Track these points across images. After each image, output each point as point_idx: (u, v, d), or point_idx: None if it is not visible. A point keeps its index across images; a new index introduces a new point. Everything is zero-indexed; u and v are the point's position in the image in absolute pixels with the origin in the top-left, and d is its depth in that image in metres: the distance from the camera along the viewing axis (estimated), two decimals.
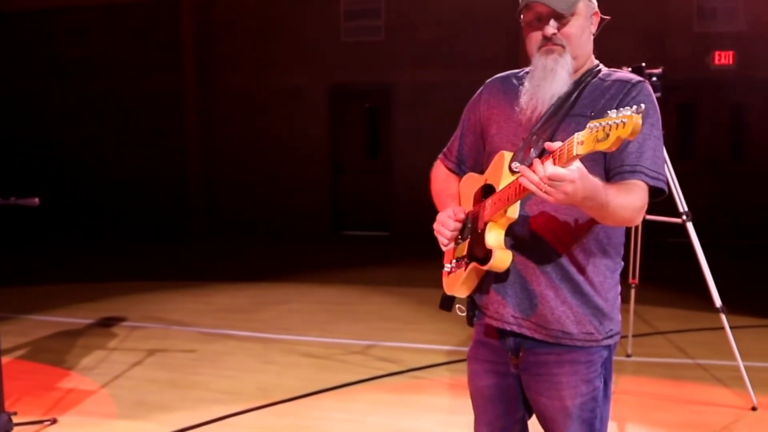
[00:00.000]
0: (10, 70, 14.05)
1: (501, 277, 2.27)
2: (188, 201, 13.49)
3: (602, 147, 1.74)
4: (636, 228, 5.50)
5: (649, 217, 5.24)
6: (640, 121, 1.69)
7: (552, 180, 1.84)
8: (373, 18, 12.73)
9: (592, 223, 2.18)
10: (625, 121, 1.70)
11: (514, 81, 2.40)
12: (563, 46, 2.22)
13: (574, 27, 2.22)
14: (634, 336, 6.16)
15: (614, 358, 5.41)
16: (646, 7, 11.55)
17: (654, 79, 5.08)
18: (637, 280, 5.65)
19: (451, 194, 2.51)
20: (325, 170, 13.25)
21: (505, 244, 2.18)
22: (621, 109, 1.74)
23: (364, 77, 12.88)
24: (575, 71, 2.27)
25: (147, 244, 12.44)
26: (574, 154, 1.79)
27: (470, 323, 2.45)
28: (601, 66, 2.35)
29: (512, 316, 2.29)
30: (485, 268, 2.19)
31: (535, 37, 2.26)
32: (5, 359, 5.46)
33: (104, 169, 13.85)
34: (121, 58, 13.60)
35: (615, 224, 2.16)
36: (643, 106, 1.75)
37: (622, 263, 2.37)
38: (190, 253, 11.92)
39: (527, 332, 2.28)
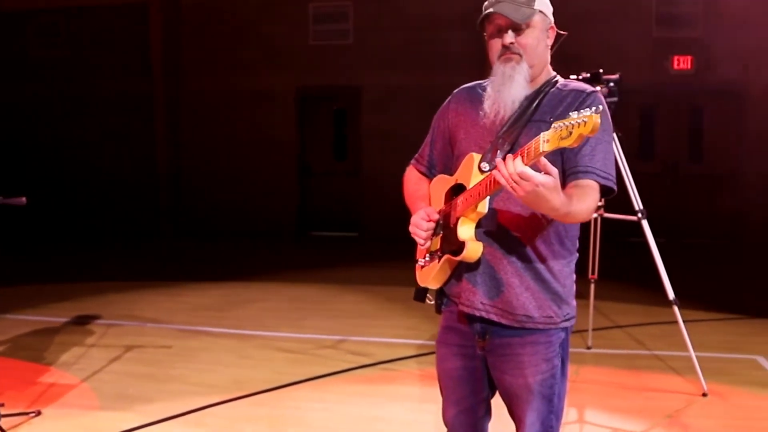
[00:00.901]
0: None
1: (471, 267, 2.50)
2: (158, 202, 13.58)
3: (566, 144, 1.99)
4: (595, 226, 5.75)
5: (606, 215, 5.56)
6: (599, 120, 1.95)
7: (521, 177, 2.08)
8: (341, 21, 12.94)
9: (549, 217, 2.42)
10: (586, 120, 1.95)
11: (479, 90, 2.63)
12: (520, 55, 2.45)
13: (529, 38, 2.46)
14: (594, 329, 6.45)
15: (575, 350, 5.74)
16: (607, 13, 11.87)
17: (611, 84, 5.33)
18: (596, 276, 5.91)
19: (422, 196, 2.74)
20: (293, 172, 13.43)
21: (475, 236, 2.41)
22: (581, 110, 2.00)
23: (333, 80, 13.08)
24: (533, 79, 2.50)
25: (117, 245, 12.53)
26: (541, 150, 2.03)
27: (438, 311, 2.70)
28: (558, 77, 2.59)
29: (481, 302, 2.51)
30: (458, 258, 2.41)
31: (495, 47, 2.50)
32: None
33: (74, 170, 13.89)
34: (90, 60, 13.65)
35: (572, 222, 2.43)
36: (601, 107, 2.02)
37: (577, 255, 2.62)
38: (160, 253, 12.04)
39: (494, 317, 2.51)
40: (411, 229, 2.56)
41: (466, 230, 2.40)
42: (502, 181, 2.13)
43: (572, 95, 2.48)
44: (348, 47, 12.99)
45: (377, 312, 7.53)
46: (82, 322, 7.16)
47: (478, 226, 2.43)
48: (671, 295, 5.16)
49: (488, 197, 2.33)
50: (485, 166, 2.42)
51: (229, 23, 13.28)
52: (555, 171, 2.11)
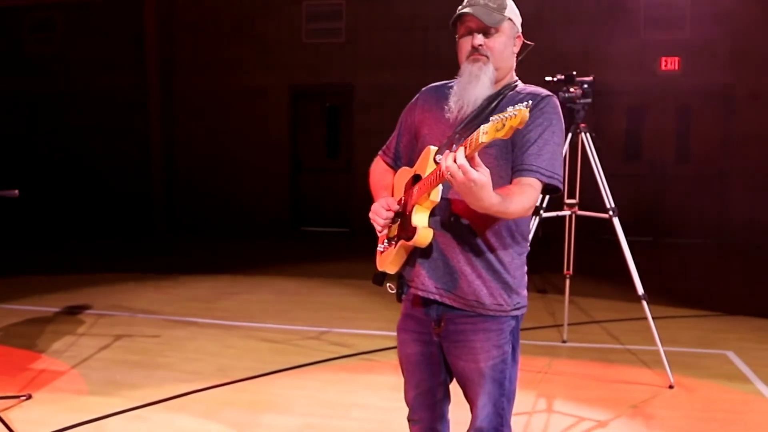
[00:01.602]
0: None
1: (425, 254, 2.68)
2: (152, 197, 13.75)
3: (500, 135, 2.17)
4: (569, 223, 5.93)
5: (580, 212, 5.74)
6: (528, 114, 2.13)
7: (459, 168, 2.25)
8: (334, 20, 13.12)
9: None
10: (516, 113, 2.13)
11: (446, 90, 2.80)
12: (488, 57, 2.64)
13: (497, 42, 2.64)
14: (571, 324, 6.67)
15: (551, 343, 5.93)
16: (596, 14, 12.05)
17: (585, 86, 5.50)
18: (571, 272, 6.09)
19: (385, 185, 2.93)
20: (285, 168, 13.61)
21: (429, 225, 2.59)
22: (516, 105, 2.19)
23: (326, 78, 13.27)
24: (497, 82, 2.69)
25: (111, 239, 12.71)
26: (480, 141, 2.21)
27: (399, 299, 2.88)
28: (519, 82, 2.78)
29: (435, 287, 2.69)
30: (410, 243, 2.60)
31: (464, 47, 2.68)
32: None
33: (68, 165, 14.04)
34: (85, 55, 13.80)
35: (509, 218, 2.59)
36: (530, 102, 2.21)
37: (528, 248, 2.81)
38: (153, 247, 12.22)
39: (448, 301, 2.69)
40: (371, 215, 2.74)
41: (418, 217, 2.57)
42: (443, 171, 2.31)
43: (528, 98, 2.62)
44: (341, 46, 13.17)
45: (361, 305, 7.72)
46: (74, 312, 7.35)
47: (432, 215, 2.60)
48: (640, 290, 5.34)
49: (440, 187, 2.51)
50: (439, 158, 2.56)
51: (223, 20, 13.45)
52: (487, 171, 2.28)
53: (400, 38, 12.74)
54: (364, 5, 12.94)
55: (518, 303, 2.74)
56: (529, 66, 5.38)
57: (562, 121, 2.68)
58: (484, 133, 2.19)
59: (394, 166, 2.98)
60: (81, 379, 5.38)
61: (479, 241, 2.65)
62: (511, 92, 2.69)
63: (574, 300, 7.59)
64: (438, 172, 2.42)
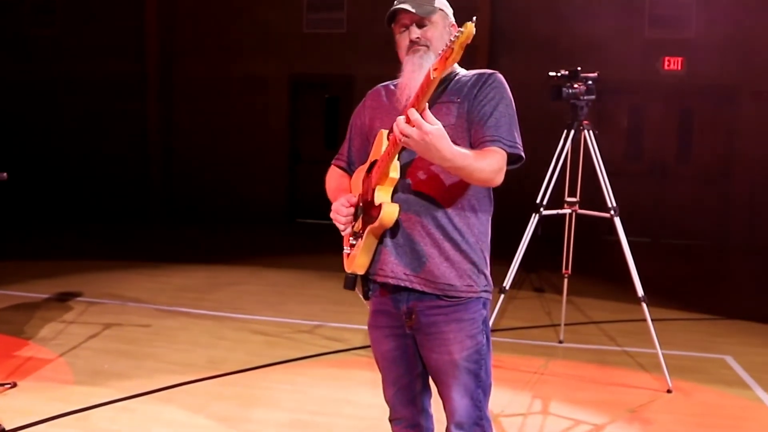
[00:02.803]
0: None
1: (393, 234, 2.63)
2: (148, 185, 13.65)
3: (453, 62, 2.19)
4: (569, 222, 5.83)
5: (581, 211, 5.65)
6: (474, 29, 2.12)
7: (414, 122, 2.26)
8: (335, 10, 13.00)
9: (463, 187, 2.59)
10: (462, 30, 2.13)
11: (392, 87, 2.83)
12: (427, 46, 2.65)
13: (433, 32, 2.67)
14: (568, 324, 6.57)
15: (547, 343, 5.85)
16: (600, 13, 11.94)
17: (590, 82, 5.41)
18: (569, 271, 6.00)
19: (343, 189, 2.87)
20: (283, 159, 13.50)
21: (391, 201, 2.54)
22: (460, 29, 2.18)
23: (325, 68, 13.15)
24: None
25: (106, 226, 12.58)
26: (432, 78, 2.22)
27: (366, 297, 2.81)
28: (461, 69, 2.77)
29: (404, 273, 2.63)
30: (377, 224, 2.52)
31: (403, 42, 2.71)
32: None
33: (66, 150, 13.92)
34: (84, 40, 13.66)
35: (479, 183, 2.55)
36: (474, 18, 2.21)
37: (489, 229, 2.75)
38: (148, 236, 12.11)
39: (418, 287, 2.63)
40: (332, 215, 2.69)
41: (381, 195, 2.53)
42: (397, 135, 2.30)
43: (475, 78, 2.67)
44: (342, 36, 13.05)
45: (355, 299, 7.54)
46: (63, 299, 7.25)
47: (394, 193, 2.56)
48: (640, 292, 5.25)
49: (398, 163, 2.49)
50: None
51: (224, 8, 13.33)
52: (438, 123, 2.29)
53: None
54: None
55: (486, 284, 2.72)
56: (532, 62, 5.33)
57: (509, 91, 2.68)
58: (434, 70, 2.22)
59: (349, 171, 2.96)
60: (68, 367, 5.29)
61: (444, 221, 2.62)
62: (457, 76, 2.72)
63: (573, 300, 7.49)
64: (393, 141, 2.39)
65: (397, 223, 2.59)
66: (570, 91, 5.33)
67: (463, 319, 2.64)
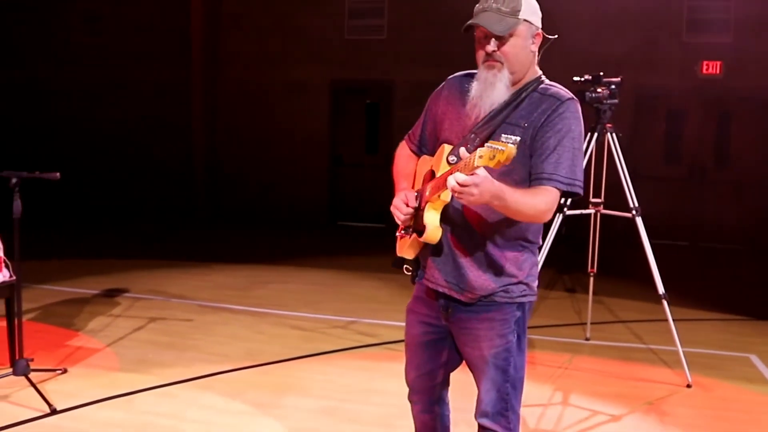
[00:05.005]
0: (26, 57, 14.61)
1: (437, 250, 2.80)
2: (194, 188, 14.00)
3: (491, 164, 2.27)
4: (594, 222, 5.98)
5: (604, 211, 5.82)
6: (514, 152, 2.23)
7: (462, 186, 2.35)
8: (376, 17, 13.26)
9: (509, 218, 2.66)
10: (504, 149, 2.22)
11: (469, 83, 2.81)
12: (502, 63, 2.67)
13: (511, 46, 2.65)
14: (597, 323, 6.75)
15: (574, 341, 6.02)
16: (639, 17, 12.04)
17: (613, 87, 5.56)
18: (595, 270, 6.15)
19: (407, 174, 3.03)
20: (325, 163, 13.78)
21: (441, 223, 2.69)
22: (509, 137, 2.37)
23: (366, 74, 13.41)
24: (514, 84, 2.72)
25: (154, 227, 12.98)
26: (475, 165, 2.30)
27: (413, 281, 3.01)
28: (544, 79, 2.79)
29: (445, 281, 2.81)
30: (421, 239, 2.72)
31: (479, 52, 2.72)
32: None
33: (115, 153, 14.35)
34: (131, 47, 14.11)
35: (525, 220, 2.66)
36: (518, 138, 2.38)
37: (539, 244, 2.89)
38: (193, 237, 12.46)
39: (455, 295, 2.81)
40: (392, 209, 2.83)
41: (429, 215, 2.68)
42: (453, 192, 2.40)
43: (548, 101, 2.68)
44: (382, 42, 13.30)
45: (390, 298, 7.85)
46: (111, 294, 7.60)
47: (445, 212, 2.70)
48: (661, 289, 5.41)
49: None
50: (452, 159, 2.68)
51: (267, 15, 13.66)
52: (482, 170, 2.35)
53: (441, 36, 12.79)
54: (406, 3, 13.06)
55: (524, 290, 2.82)
56: (569, 68, 5.51)
57: (582, 123, 2.71)
58: (479, 157, 2.27)
59: (418, 153, 3.06)
60: (114, 356, 5.62)
61: (489, 242, 2.74)
62: (533, 92, 2.72)
63: (602, 300, 7.66)
64: (445, 179, 2.49)
65: (445, 237, 2.74)
66: (593, 95, 5.50)
67: (495, 319, 2.80)
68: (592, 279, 6.21)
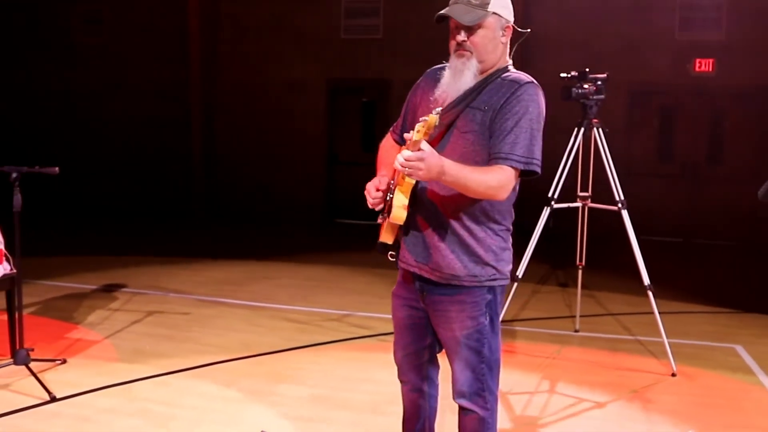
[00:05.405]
0: (26, 58, 14.74)
1: (406, 231, 2.96)
2: (192, 186, 14.13)
3: (423, 137, 2.53)
4: (582, 215, 6.10)
5: (591, 204, 5.95)
6: (436, 120, 2.49)
7: (408, 161, 2.54)
8: (372, 16, 13.38)
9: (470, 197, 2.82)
10: (427, 119, 2.47)
11: (442, 72, 3.00)
12: (471, 52, 2.86)
13: (479, 37, 2.84)
14: (587, 315, 6.89)
15: (563, 332, 6.14)
16: (631, 15, 12.15)
17: (599, 83, 5.69)
18: (583, 263, 6.28)
19: (388, 163, 3.12)
20: (321, 161, 13.90)
21: (410, 205, 2.82)
22: (435, 110, 2.54)
23: (362, 73, 13.53)
24: (483, 72, 2.90)
25: (152, 226, 13.09)
26: (414, 139, 2.54)
27: (398, 266, 3.14)
28: (510, 68, 2.96)
29: (415, 261, 2.98)
30: (388, 220, 2.87)
31: (451, 42, 2.91)
32: None
33: (114, 152, 14.46)
34: (131, 47, 14.22)
35: (477, 197, 2.79)
36: (440, 109, 2.55)
37: (509, 228, 3.02)
38: (191, 234, 12.58)
39: (426, 275, 2.96)
40: (365, 192, 2.97)
41: (396, 197, 2.81)
42: (399, 168, 2.60)
43: (507, 85, 2.85)
44: (378, 41, 13.42)
45: (385, 291, 7.85)
46: (110, 289, 7.73)
47: (414, 194, 2.84)
48: (646, 280, 5.54)
49: None
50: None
51: (264, 15, 13.77)
52: (427, 146, 2.58)
53: (437, 35, 12.85)
54: (402, 2, 13.17)
55: (494, 275, 2.95)
56: (564, 65, 5.65)
57: (540, 105, 2.86)
58: (417, 132, 2.52)
59: (400, 142, 3.19)
60: (112, 348, 5.76)
61: (453, 220, 2.89)
62: (497, 79, 2.89)
63: (593, 293, 7.80)
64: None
65: (414, 218, 2.90)
66: (579, 91, 5.63)
67: (466, 301, 2.94)
68: (580, 272, 6.34)
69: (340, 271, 9.13)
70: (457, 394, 3.03)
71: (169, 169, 14.27)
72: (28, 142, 14.41)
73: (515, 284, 5.77)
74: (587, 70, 5.64)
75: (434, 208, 2.90)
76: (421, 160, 2.54)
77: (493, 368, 3.02)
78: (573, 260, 6.37)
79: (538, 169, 2.84)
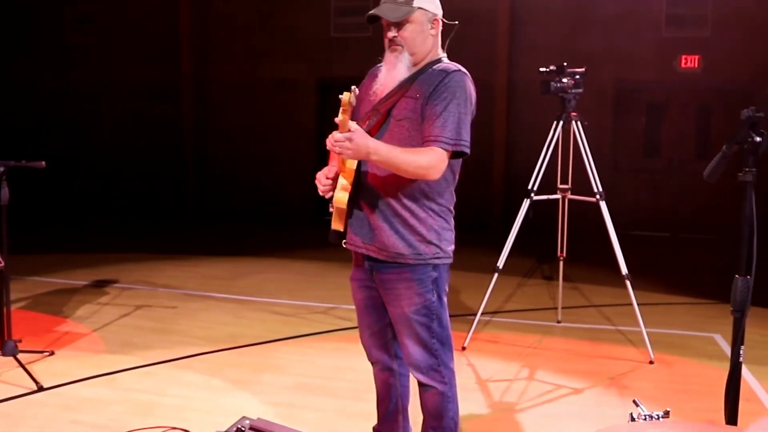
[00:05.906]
0: (18, 57, 14.81)
1: (350, 213, 3.11)
2: (184, 183, 14.23)
3: (345, 115, 2.78)
4: (562, 207, 6.19)
5: (571, 196, 6.05)
6: (348, 96, 2.76)
7: (337, 141, 2.78)
8: (362, 15, 13.39)
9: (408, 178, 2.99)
10: (342, 97, 2.73)
11: (381, 68, 3.21)
12: (402, 46, 3.05)
13: (408, 32, 3.04)
14: (569, 307, 6.99)
15: (545, 323, 6.24)
16: (618, 13, 12.26)
17: (577, 77, 5.78)
18: (564, 254, 6.38)
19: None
20: (312, 158, 13.96)
21: (353, 189, 3.03)
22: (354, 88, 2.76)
23: (352, 71, 13.56)
24: (416, 64, 3.10)
25: (143, 223, 13.19)
26: (339, 119, 2.78)
27: (348, 249, 3.28)
28: (443, 60, 3.15)
29: (361, 242, 3.13)
30: (333, 204, 3.04)
31: (385, 39, 3.11)
32: None
33: (106, 151, 14.56)
34: (123, 47, 14.32)
35: (409, 176, 2.95)
36: (354, 87, 2.78)
37: (450, 209, 3.18)
38: (182, 231, 12.66)
39: (373, 254, 3.12)
40: (315, 181, 3.14)
41: (339, 182, 3.04)
42: (330, 148, 2.83)
43: (437, 74, 3.04)
44: (368, 40, 13.49)
45: None
46: (99, 285, 7.82)
47: (356, 179, 3.03)
48: (624, 270, 5.65)
49: None
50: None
51: (254, 14, 13.87)
52: (355, 126, 2.80)
53: None
54: None
55: (437, 253, 3.11)
56: (551, 62, 5.74)
57: (468, 91, 3.04)
58: (342, 112, 2.78)
59: None
60: (100, 340, 5.85)
61: (392, 201, 3.05)
62: (429, 70, 3.08)
63: (576, 285, 7.92)
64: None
65: (358, 202, 3.07)
66: (558, 85, 5.72)
67: (413, 279, 3.09)
68: (561, 263, 6.44)
69: (330, 267, 9.20)
70: (413, 367, 3.19)
71: (161, 166, 14.36)
72: (19, 140, 14.48)
73: (495, 275, 5.85)
74: (565, 64, 5.74)
75: (375, 191, 3.06)
76: (349, 140, 2.76)
77: (445, 343, 3.18)
78: (566, 254, 6.45)
79: (467, 150, 3.01)
